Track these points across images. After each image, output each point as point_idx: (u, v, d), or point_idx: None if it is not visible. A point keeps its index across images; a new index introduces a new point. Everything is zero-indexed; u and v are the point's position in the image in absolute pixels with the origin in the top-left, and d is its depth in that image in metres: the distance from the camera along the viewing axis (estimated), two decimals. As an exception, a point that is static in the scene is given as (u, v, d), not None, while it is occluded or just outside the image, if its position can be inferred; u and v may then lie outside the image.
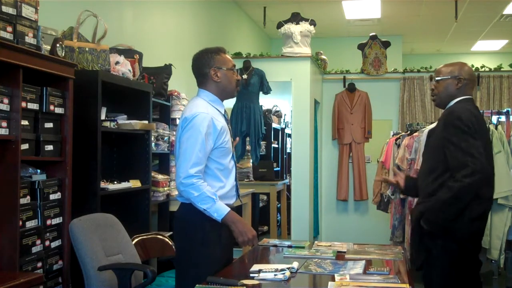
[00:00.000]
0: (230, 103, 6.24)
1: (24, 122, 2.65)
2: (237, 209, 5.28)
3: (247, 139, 6.28)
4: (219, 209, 2.47)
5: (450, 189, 2.62)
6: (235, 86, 2.68)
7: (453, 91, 2.85)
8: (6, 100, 2.50)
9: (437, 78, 2.91)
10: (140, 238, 3.40)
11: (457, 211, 2.64)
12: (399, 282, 2.20)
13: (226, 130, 2.60)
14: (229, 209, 2.50)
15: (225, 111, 2.69)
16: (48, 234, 2.81)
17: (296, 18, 6.39)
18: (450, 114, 2.75)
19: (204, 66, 2.63)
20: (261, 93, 6.21)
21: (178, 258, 2.61)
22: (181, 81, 5.38)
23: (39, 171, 2.84)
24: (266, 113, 7.18)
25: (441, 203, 2.66)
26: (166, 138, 4.37)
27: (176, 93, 4.61)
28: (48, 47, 2.87)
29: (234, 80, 2.67)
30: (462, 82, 2.84)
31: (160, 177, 4.23)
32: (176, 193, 4.49)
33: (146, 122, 3.78)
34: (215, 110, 2.60)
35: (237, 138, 3.11)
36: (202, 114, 2.50)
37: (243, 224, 2.54)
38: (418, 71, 7.31)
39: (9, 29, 2.50)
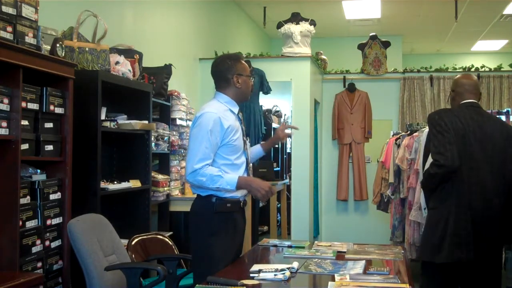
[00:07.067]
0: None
1: (24, 122, 2.65)
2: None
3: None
4: (229, 180, 2.64)
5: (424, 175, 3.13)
6: (250, 91, 2.90)
7: (451, 104, 3.22)
8: (6, 100, 2.50)
9: None
10: (140, 238, 3.39)
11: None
12: (399, 282, 2.20)
13: (236, 129, 2.76)
14: (237, 176, 2.68)
15: (239, 111, 2.87)
16: (48, 234, 2.81)
17: (296, 18, 6.38)
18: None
19: (227, 72, 2.79)
20: (261, 93, 6.20)
21: (192, 249, 2.75)
22: (181, 81, 5.39)
23: (39, 171, 2.84)
24: (266, 113, 7.17)
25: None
26: (166, 138, 4.37)
27: (176, 93, 4.62)
28: (48, 47, 2.87)
29: (250, 85, 2.88)
30: (451, 94, 3.21)
31: (160, 177, 4.23)
32: (176, 193, 4.55)
33: (146, 122, 3.78)
34: (227, 110, 2.77)
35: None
36: (209, 113, 2.67)
37: (256, 181, 2.72)
38: (418, 71, 7.30)
39: (9, 29, 2.50)
